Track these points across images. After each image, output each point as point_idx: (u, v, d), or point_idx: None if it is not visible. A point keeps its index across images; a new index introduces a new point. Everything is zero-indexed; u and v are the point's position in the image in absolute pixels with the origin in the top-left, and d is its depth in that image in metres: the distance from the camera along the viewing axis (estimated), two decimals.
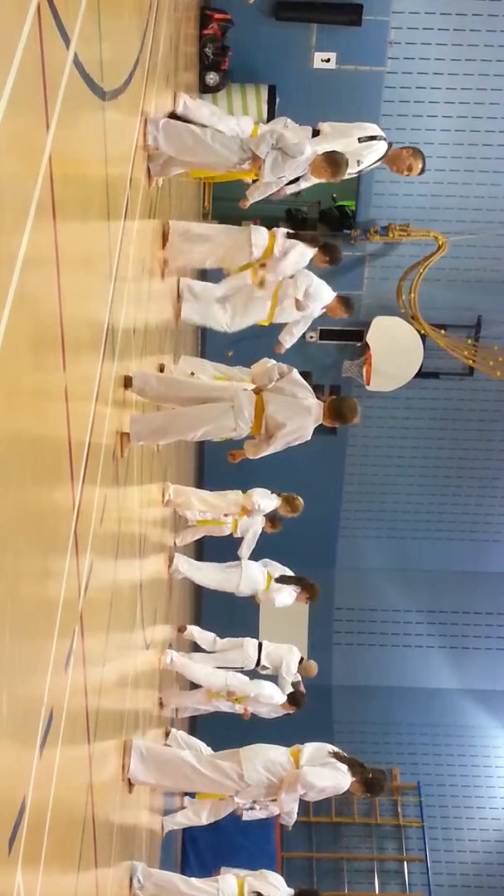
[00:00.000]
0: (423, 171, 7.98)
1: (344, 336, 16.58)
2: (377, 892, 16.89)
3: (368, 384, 16.68)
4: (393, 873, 17.19)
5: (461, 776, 18.21)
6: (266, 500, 10.64)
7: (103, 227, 4.45)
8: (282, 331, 9.48)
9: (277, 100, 14.61)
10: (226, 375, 9.65)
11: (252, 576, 10.82)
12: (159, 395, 6.65)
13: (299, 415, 6.73)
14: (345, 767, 7.28)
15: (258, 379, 6.98)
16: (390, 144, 7.85)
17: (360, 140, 7.68)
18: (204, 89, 14.10)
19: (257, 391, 6.79)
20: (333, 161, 7.57)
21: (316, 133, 7.71)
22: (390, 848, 17.39)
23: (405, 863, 17.19)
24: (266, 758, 7.41)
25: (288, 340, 9.45)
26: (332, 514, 17.90)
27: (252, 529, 11.04)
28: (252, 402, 6.65)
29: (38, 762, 3.17)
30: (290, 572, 11.17)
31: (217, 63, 13.96)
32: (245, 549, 11.06)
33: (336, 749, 7.41)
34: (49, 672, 3.32)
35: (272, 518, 11.15)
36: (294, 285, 8.91)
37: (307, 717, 16.54)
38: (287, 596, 10.90)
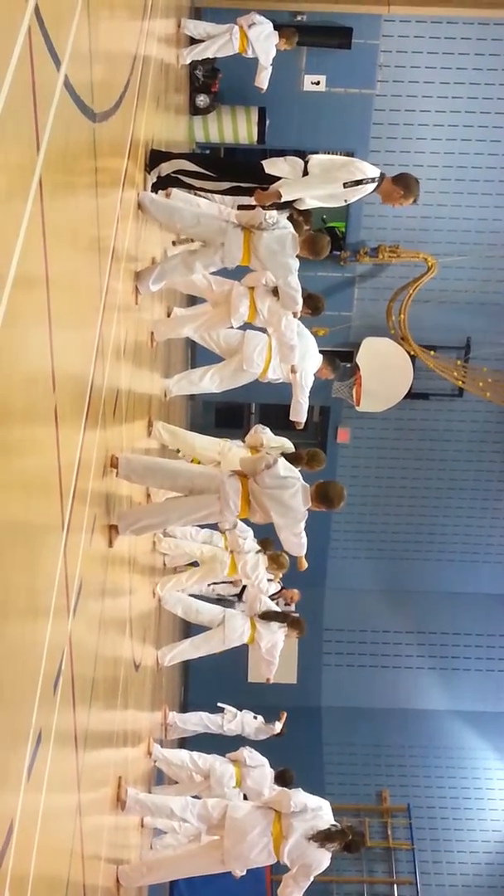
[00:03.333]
0: (416, 201, 7.95)
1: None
2: None
3: (358, 405, 16.69)
4: None
5: (451, 798, 18.13)
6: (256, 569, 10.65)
7: (94, 255, 4.45)
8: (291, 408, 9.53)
9: (268, 122, 14.67)
10: (207, 454, 9.65)
11: (234, 628, 10.63)
12: (145, 481, 6.83)
13: (285, 515, 6.99)
14: (327, 851, 7.49)
15: (245, 467, 7.12)
16: (383, 175, 7.80)
17: (345, 185, 7.72)
18: (194, 111, 14.15)
19: (242, 476, 6.93)
20: (314, 246, 8.10)
21: (306, 163, 7.71)
22: (380, 871, 17.28)
23: (395, 885, 17.07)
24: (246, 858, 7.61)
25: (301, 416, 9.50)
26: (322, 534, 17.86)
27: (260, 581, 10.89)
28: (238, 493, 6.85)
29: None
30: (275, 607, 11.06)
31: (207, 85, 14.02)
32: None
33: (314, 830, 7.45)
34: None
35: (262, 543, 11.08)
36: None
37: (297, 738, 16.48)
38: (277, 637, 10.67)
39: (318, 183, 7.66)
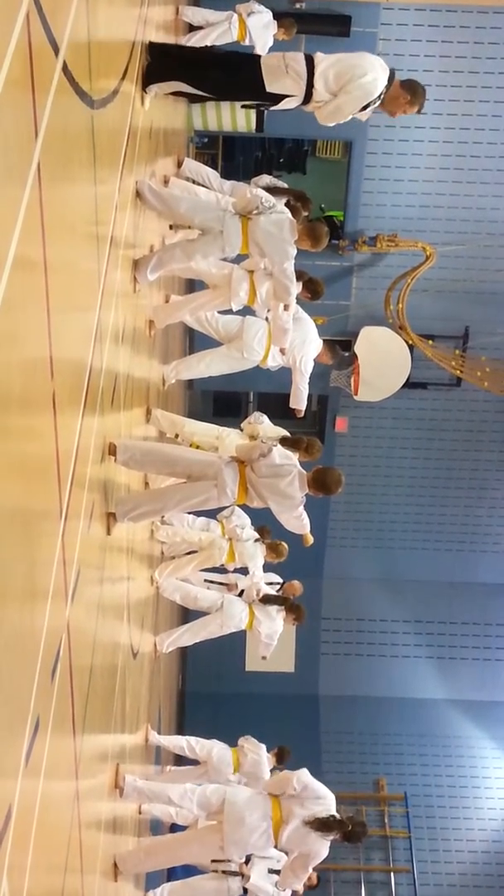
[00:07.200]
0: (419, 111, 7.57)
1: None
2: None
3: (356, 394, 16.69)
4: (380, 884, 17.15)
5: (448, 787, 18.19)
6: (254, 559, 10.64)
7: (92, 240, 4.45)
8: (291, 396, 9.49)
9: (265, 112, 14.63)
10: (205, 439, 9.65)
11: (233, 614, 10.66)
12: (144, 468, 6.84)
13: (282, 503, 7.08)
14: (325, 838, 7.48)
15: (241, 454, 7.15)
16: (393, 74, 7.43)
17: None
18: (193, 99, 14.09)
19: (240, 461, 6.96)
20: (313, 234, 7.96)
21: (310, 61, 7.35)
22: (377, 859, 17.35)
23: (392, 874, 17.15)
24: (245, 843, 7.58)
25: (301, 403, 9.47)
26: (320, 523, 17.85)
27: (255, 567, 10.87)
28: (236, 480, 6.89)
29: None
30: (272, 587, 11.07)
31: None
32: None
33: (313, 817, 7.45)
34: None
35: (260, 530, 11.09)
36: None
37: (295, 727, 16.52)
38: (277, 624, 10.68)
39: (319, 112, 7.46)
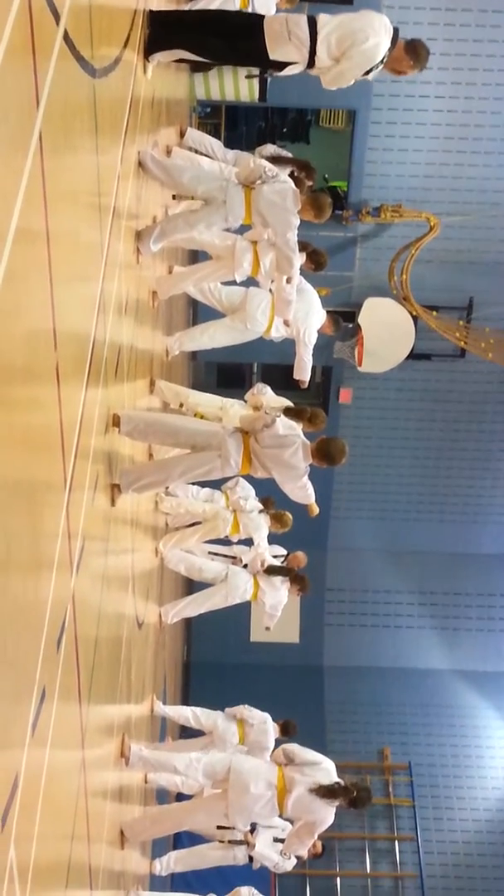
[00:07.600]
0: (421, 70, 7.46)
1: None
2: (368, 871, 16.98)
3: (360, 365, 16.67)
4: (384, 852, 17.27)
5: (452, 756, 18.28)
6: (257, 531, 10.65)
7: (95, 212, 4.43)
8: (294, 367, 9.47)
9: (269, 80, 14.52)
10: (209, 409, 9.65)
11: (237, 585, 10.69)
12: (147, 438, 6.86)
13: (286, 473, 7.14)
14: (330, 805, 7.54)
15: (245, 424, 7.16)
16: (396, 34, 7.32)
17: None
18: (195, 68, 14.01)
19: (244, 432, 6.98)
20: (316, 204, 7.97)
21: (313, 24, 7.10)
22: (381, 827, 17.46)
23: (396, 842, 17.27)
24: (250, 811, 7.65)
25: (305, 374, 9.45)
26: (324, 494, 17.84)
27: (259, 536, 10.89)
28: (240, 450, 6.93)
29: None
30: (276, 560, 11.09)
31: None
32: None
33: (317, 784, 7.51)
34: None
35: (264, 501, 11.10)
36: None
37: (299, 697, 16.58)
38: (281, 594, 10.72)
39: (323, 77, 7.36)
